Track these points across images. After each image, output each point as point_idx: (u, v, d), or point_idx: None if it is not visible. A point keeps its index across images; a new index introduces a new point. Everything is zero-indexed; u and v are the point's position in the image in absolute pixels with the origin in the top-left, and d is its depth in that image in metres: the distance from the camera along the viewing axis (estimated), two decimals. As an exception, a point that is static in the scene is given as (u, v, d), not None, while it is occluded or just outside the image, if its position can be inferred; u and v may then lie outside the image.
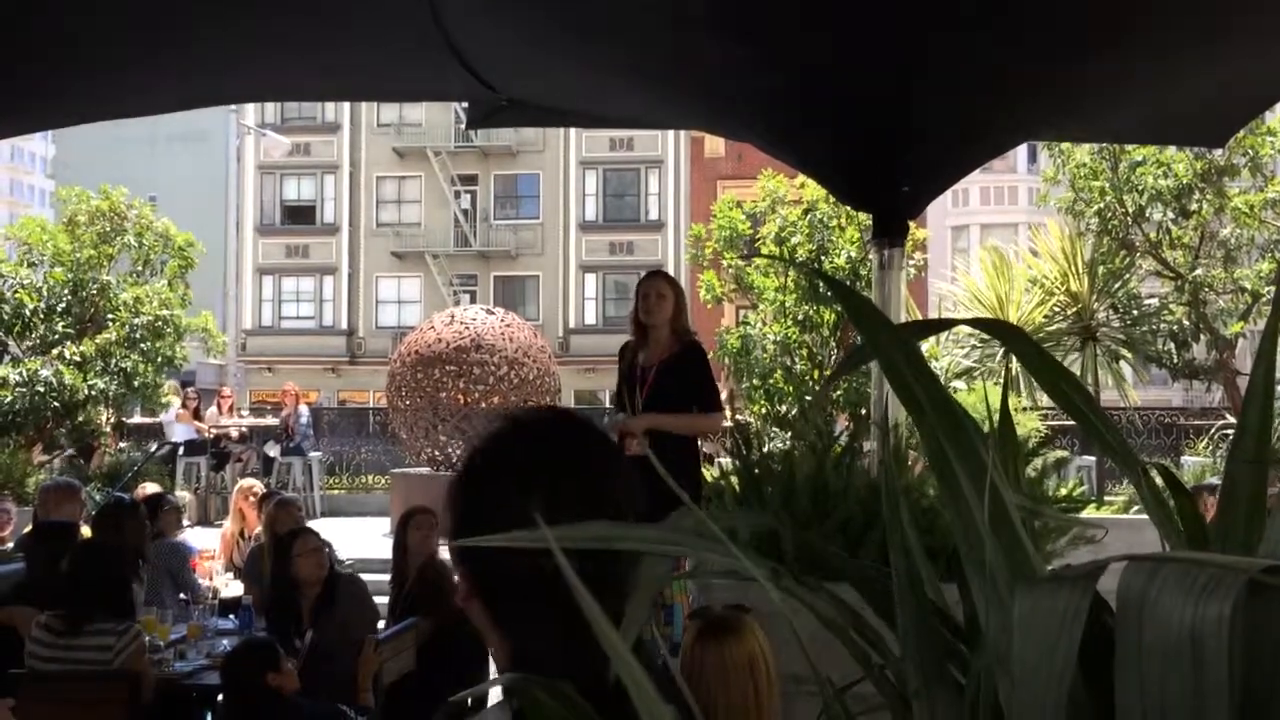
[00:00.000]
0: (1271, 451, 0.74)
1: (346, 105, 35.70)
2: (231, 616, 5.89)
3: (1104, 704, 0.63)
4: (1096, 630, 0.65)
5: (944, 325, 0.90)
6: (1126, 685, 0.57)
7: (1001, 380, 14.07)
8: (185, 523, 8.98)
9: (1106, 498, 12.15)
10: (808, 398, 14.84)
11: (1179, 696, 0.55)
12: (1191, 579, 0.56)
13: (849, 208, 13.35)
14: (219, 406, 16.09)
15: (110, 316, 16.91)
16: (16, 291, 16.51)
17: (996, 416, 0.99)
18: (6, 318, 16.42)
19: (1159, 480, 0.84)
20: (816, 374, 15.49)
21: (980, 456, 0.72)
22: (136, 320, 16.83)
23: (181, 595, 5.81)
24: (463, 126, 32.23)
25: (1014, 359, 0.85)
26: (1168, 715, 0.56)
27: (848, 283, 14.97)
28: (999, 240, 23.67)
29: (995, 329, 0.81)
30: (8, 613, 4.75)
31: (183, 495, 13.44)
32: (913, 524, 0.86)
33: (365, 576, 5.80)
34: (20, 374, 15.67)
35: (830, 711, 0.79)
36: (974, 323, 0.85)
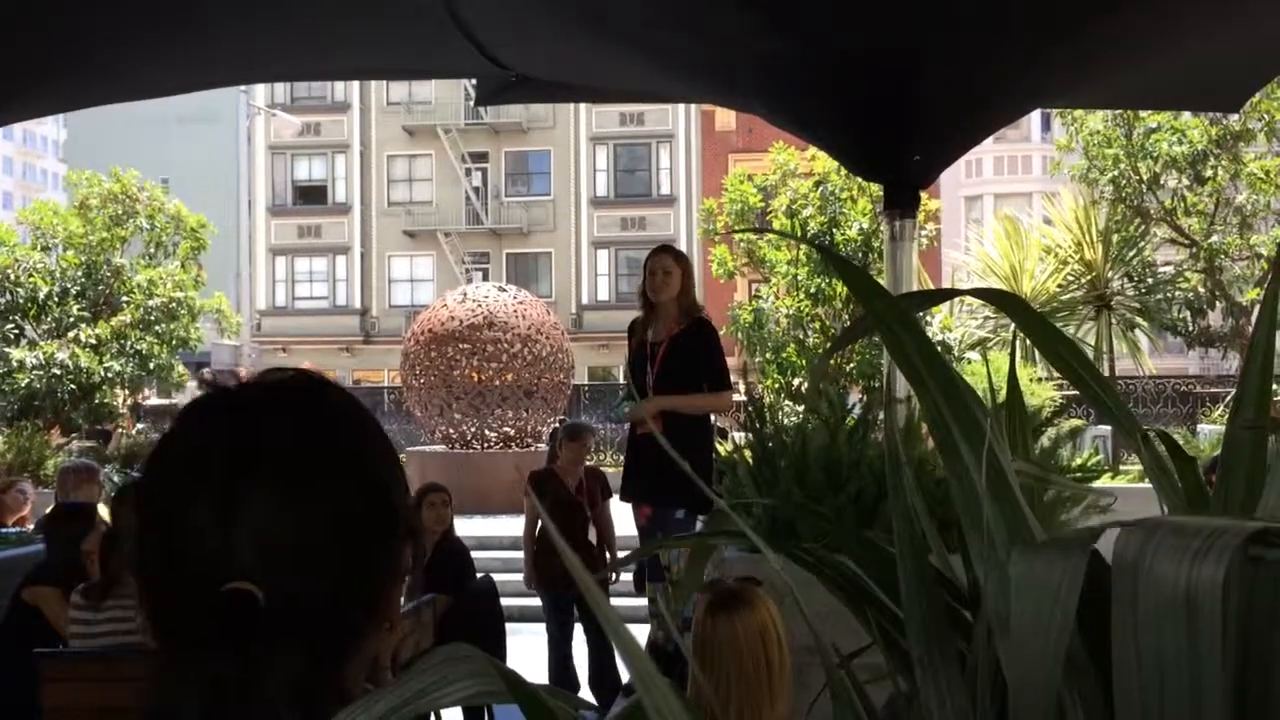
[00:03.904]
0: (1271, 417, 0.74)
1: (356, 84, 35.66)
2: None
3: (1103, 665, 0.64)
4: (1099, 592, 0.66)
5: (943, 296, 0.90)
6: (1123, 647, 0.58)
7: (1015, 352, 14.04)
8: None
9: (1122, 467, 12.14)
10: (814, 364, 14.85)
11: (1174, 657, 0.56)
12: (1186, 541, 0.57)
13: (860, 179, 13.30)
14: (234, 387, 16.15)
15: (124, 299, 17.00)
16: (31, 275, 16.60)
17: (1004, 385, 0.99)
18: (22, 301, 16.52)
19: (1161, 447, 0.84)
20: (829, 348, 15.48)
21: (979, 423, 0.73)
22: (151, 302, 16.92)
23: None
24: (472, 104, 32.20)
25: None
26: (1164, 676, 0.56)
27: (859, 255, 14.96)
28: (1013, 210, 23.55)
29: (994, 297, 0.82)
30: (32, 593, 4.80)
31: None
32: (918, 491, 0.87)
33: (382, 554, 5.84)
34: (36, 357, 15.78)
35: (833, 679, 0.79)
36: (973, 292, 0.85)
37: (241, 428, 0.85)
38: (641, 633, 5.51)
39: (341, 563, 0.83)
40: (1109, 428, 13.56)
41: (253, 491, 0.82)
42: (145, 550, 0.84)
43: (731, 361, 6.14)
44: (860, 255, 15.10)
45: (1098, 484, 6.21)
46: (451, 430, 13.66)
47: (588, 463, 6.92)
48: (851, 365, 14.80)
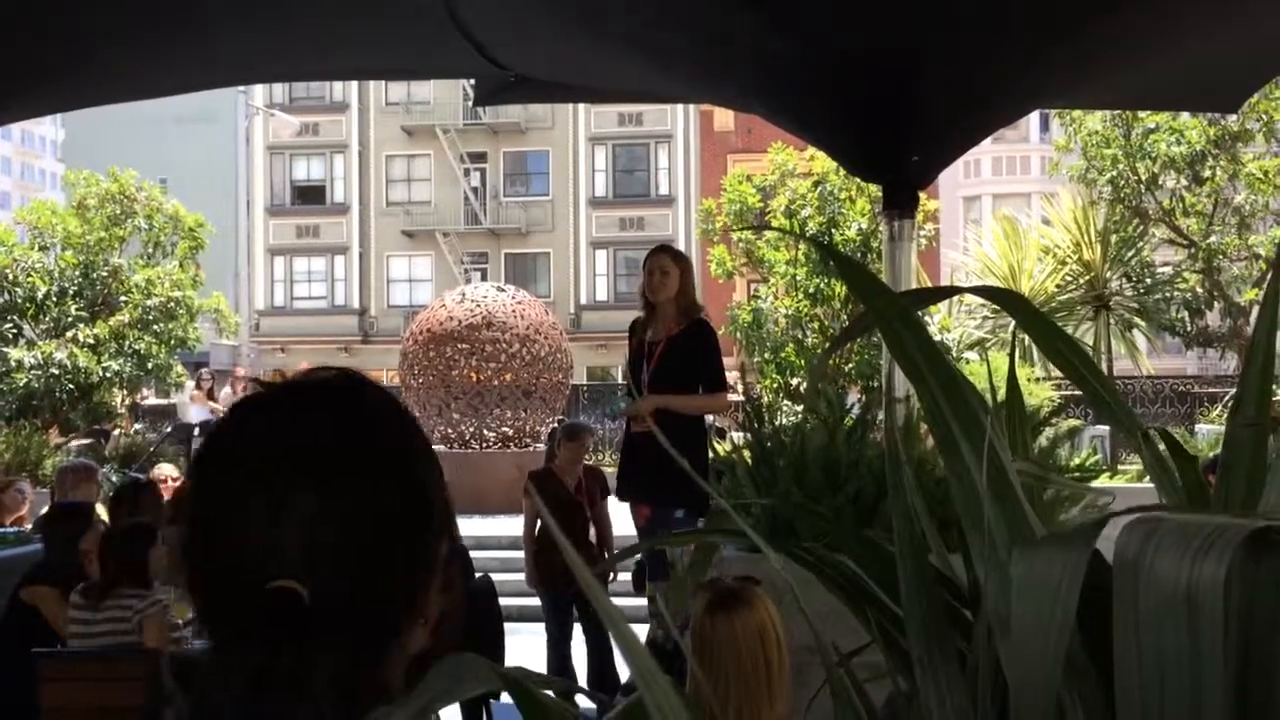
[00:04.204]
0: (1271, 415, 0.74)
1: (354, 84, 35.63)
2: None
3: (1104, 663, 0.64)
4: (1099, 591, 0.66)
5: (944, 293, 0.90)
6: (1124, 644, 0.58)
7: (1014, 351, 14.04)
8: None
9: (1120, 467, 12.15)
10: (814, 364, 14.86)
11: (1175, 655, 0.56)
12: (1187, 538, 0.57)
13: (859, 179, 13.30)
14: (233, 387, 16.16)
15: (123, 299, 16.99)
16: (29, 275, 16.59)
17: (1003, 385, 0.99)
18: (20, 301, 16.51)
19: (1162, 445, 0.84)
20: (828, 347, 15.49)
21: (980, 421, 0.73)
22: (149, 302, 16.91)
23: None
24: (471, 104, 32.19)
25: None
26: (1165, 674, 0.56)
27: (858, 255, 14.97)
28: (1011, 210, 23.56)
29: (995, 295, 0.82)
30: (30, 592, 4.79)
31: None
32: (918, 490, 0.87)
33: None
34: (35, 357, 15.77)
35: (833, 678, 0.79)
36: (974, 290, 0.85)
37: (286, 425, 0.87)
38: (640, 632, 5.50)
39: (383, 559, 0.84)
40: (1107, 427, 13.57)
41: (297, 489, 0.83)
42: (193, 546, 0.86)
43: (730, 361, 6.14)
44: (859, 255, 15.11)
45: (1096, 483, 6.21)
46: (450, 430, 13.65)
47: (586, 462, 6.92)
48: (850, 365, 14.80)
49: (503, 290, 14.38)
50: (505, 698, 0.74)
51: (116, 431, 16.36)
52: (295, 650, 0.78)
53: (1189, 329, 17.75)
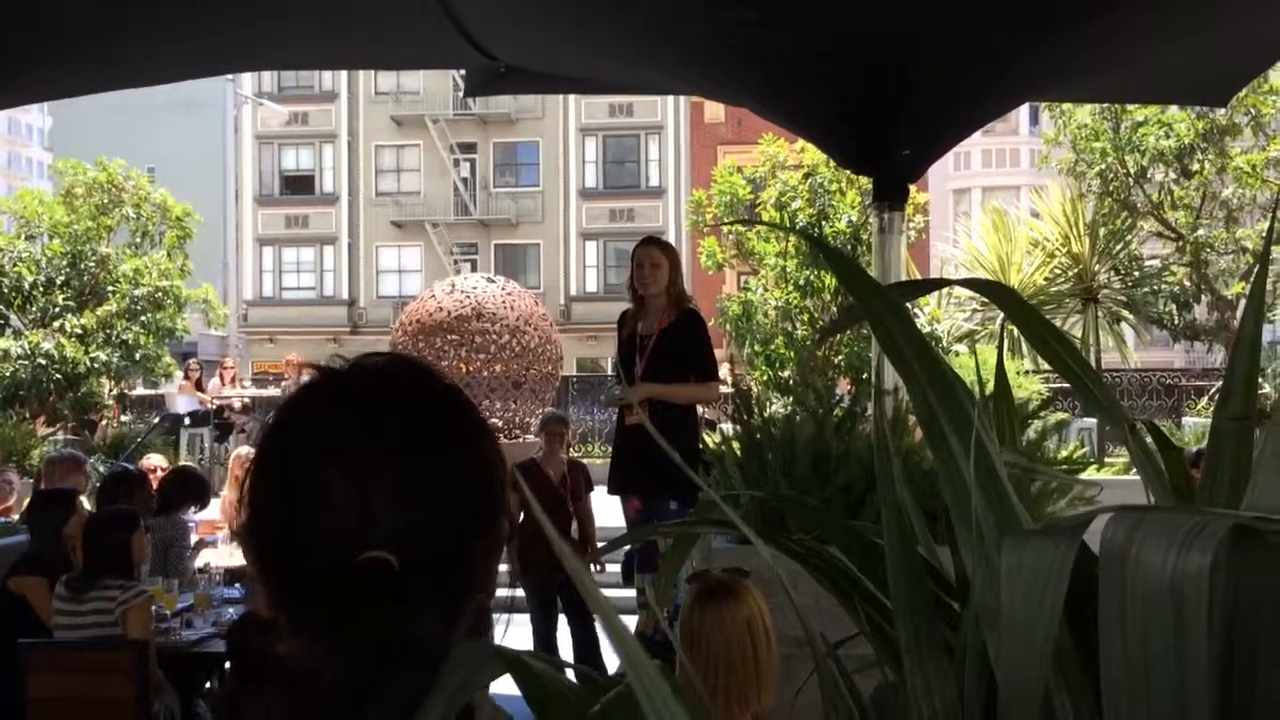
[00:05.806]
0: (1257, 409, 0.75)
1: (344, 74, 35.47)
2: (237, 585, 5.92)
3: (1091, 655, 0.64)
4: (1085, 582, 0.66)
5: (933, 286, 0.90)
6: (1110, 637, 0.58)
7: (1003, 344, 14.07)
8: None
9: (1107, 459, 12.20)
10: (803, 355, 14.88)
11: (1161, 648, 0.56)
12: (1173, 531, 0.57)
13: (849, 172, 13.30)
14: (221, 378, 16.11)
15: (110, 288, 16.92)
16: (15, 264, 16.51)
17: (992, 377, 1.00)
18: (6, 291, 16.44)
19: (1148, 438, 0.85)
20: (816, 339, 15.51)
21: (968, 413, 0.73)
22: (136, 292, 16.84)
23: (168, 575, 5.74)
24: (461, 94, 32.09)
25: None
26: (1150, 666, 0.57)
27: (848, 247, 14.98)
28: (1001, 203, 23.60)
29: (984, 288, 0.82)
30: (17, 583, 4.78)
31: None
32: (907, 483, 0.88)
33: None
34: (22, 346, 15.71)
35: (821, 669, 0.80)
36: (962, 283, 0.85)
37: (371, 402, 0.89)
38: (629, 624, 5.50)
39: (461, 533, 0.87)
40: (1095, 420, 13.62)
41: (387, 462, 0.85)
42: (274, 521, 0.87)
43: (720, 354, 6.14)
44: (849, 248, 15.12)
45: (1083, 475, 6.23)
46: (439, 421, 13.63)
47: (572, 455, 6.92)
48: (840, 357, 14.82)
49: (492, 281, 14.36)
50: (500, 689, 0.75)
51: (104, 422, 16.32)
52: (388, 619, 0.79)
53: (1176, 322, 17.82)
